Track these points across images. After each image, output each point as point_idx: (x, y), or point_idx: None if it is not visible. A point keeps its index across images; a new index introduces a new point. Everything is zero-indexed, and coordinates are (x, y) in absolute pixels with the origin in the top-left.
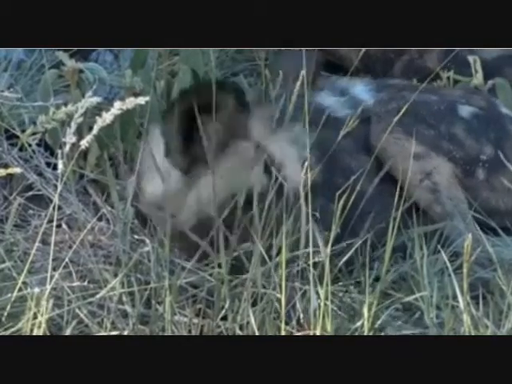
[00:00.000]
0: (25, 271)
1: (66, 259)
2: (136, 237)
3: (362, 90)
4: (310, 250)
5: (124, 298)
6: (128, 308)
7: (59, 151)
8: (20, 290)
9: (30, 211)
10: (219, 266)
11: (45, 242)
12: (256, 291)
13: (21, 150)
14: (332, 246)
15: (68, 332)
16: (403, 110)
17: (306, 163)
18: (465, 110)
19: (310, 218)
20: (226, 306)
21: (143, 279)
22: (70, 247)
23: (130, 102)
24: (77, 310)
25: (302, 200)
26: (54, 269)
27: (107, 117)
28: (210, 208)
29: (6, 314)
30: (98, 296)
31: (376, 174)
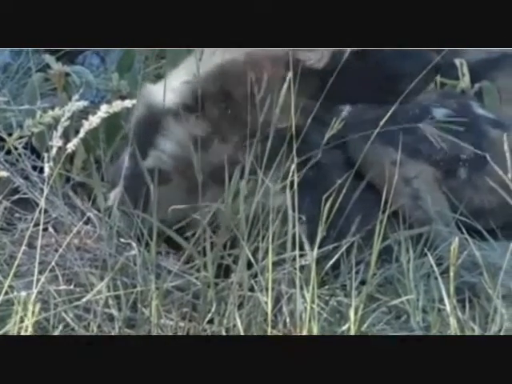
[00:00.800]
0: (11, 275)
1: (53, 263)
2: (122, 240)
3: None
4: (297, 253)
5: (110, 302)
6: (114, 311)
7: (46, 154)
8: (6, 293)
9: (17, 214)
10: (205, 268)
11: (31, 246)
12: (242, 294)
13: (7, 153)
14: (318, 249)
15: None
16: (385, 119)
17: (293, 166)
18: (439, 113)
19: (297, 221)
20: (213, 309)
21: (129, 283)
22: (56, 251)
23: (117, 106)
24: (63, 314)
25: (288, 202)
26: (41, 272)
27: (94, 120)
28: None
29: None
30: (84, 299)
31: (358, 183)
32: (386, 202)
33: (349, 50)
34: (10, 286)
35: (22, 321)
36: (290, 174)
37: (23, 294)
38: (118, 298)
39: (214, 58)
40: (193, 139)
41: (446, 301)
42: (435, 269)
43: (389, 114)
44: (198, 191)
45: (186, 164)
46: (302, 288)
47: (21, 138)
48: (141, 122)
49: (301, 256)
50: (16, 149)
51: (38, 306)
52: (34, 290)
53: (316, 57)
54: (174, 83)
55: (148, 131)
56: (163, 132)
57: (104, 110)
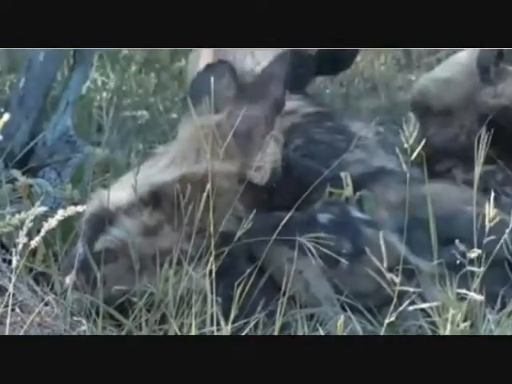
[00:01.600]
0: None
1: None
2: (75, 318)
3: None
4: (214, 328)
5: None
6: None
7: (13, 249)
8: None
9: None
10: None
11: (1, 323)
12: None
13: None
14: (232, 324)
15: None
16: (282, 223)
17: (211, 258)
18: (324, 217)
19: (214, 302)
20: None
21: None
22: (22, 327)
23: (70, 210)
24: None
25: (207, 287)
26: None
27: (52, 222)
28: None
29: None
30: None
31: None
32: (284, 289)
33: (280, 167)
34: None
35: None
36: (209, 264)
37: None
38: None
39: (170, 169)
40: (142, 227)
41: None
42: None
43: (285, 220)
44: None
45: (130, 246)
46: None
47: None
48: (93, 217)
49: (218, 330)
50: None
51: None
52: None
53: (260, 175)
54: (122, 188)
55: (100, 223)
56: (114, 223)
57: (60, 214)
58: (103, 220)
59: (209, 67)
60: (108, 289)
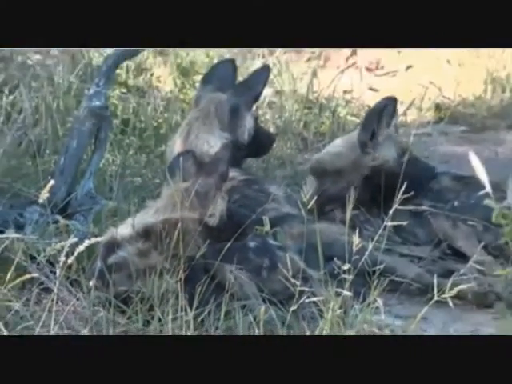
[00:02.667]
0: None
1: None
2: (96, 308)
3: None
4: (184, 313)
5: None
6: None
7: (57, 265)
8: None
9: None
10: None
11: (50, 311)
12: None
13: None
14: (195, 311)
15: None
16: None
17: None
18: (252, 244)
19: (183, 299)
20: None
21: None
22: (62, 314)
23: (92, 240)
24: None
25: (179, 288)
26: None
27: (81, 248)
28: None
29: None
30: None
31: None
32: (227, 289)
33: (225, 215)
34: None
35: None
36: (180, 274)
37: None
38: None
39: (156, 215)
40: (138, 251)
41: None
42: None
43: (227, 246)
44: (136, 278)
45: (130, 263)
46: None
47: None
48: (107, 243)
49: (186, 315)
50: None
51: None
52: None
53: (212, 220)
54: (125, 227)
55: (111, 247)
56: (120, 247)
57: (86, 243)
58: (113, 246)
59: (179, 154)
60: (116, 289)
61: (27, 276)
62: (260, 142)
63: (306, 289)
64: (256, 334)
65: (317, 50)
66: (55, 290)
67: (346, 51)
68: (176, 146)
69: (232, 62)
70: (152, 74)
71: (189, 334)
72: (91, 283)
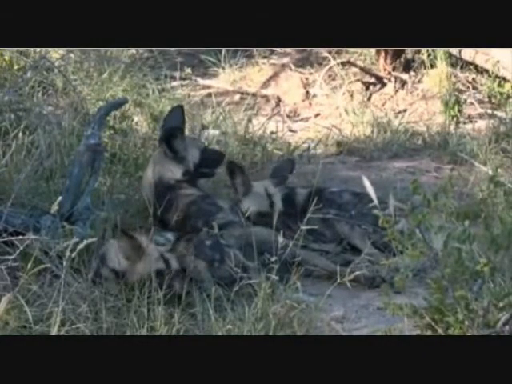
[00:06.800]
0: None
1: None
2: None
3: None
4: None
5: None
6: None
7: (64, 258)
8: None
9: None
10: None
11: (59, 292)
12: None
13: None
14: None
15: None
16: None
17: None
18: (208, 242)
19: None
20: None
21: None
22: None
23: (89, 241)
24: None
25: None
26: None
27: (81, 245)
28: None
29: None
30: None
31: None
32: (191, 276)
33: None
34: None
35: None
36: None
37: None
38: None
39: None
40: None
41: None
42: None
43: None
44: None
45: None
46: None
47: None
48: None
49: None
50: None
51: None
52: None
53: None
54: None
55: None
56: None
57: (85, 242)
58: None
59: None
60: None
61: (42, 266)
62: (210, 159)
63: (245, 275)
64: (208, 308)
65: (251, 102)
66: (63, 276)
67: (273, 102)
68: (149, 172)
69: (181, 107)
70: (132, 120)
71: (174, 330)
72: (89, 276)
